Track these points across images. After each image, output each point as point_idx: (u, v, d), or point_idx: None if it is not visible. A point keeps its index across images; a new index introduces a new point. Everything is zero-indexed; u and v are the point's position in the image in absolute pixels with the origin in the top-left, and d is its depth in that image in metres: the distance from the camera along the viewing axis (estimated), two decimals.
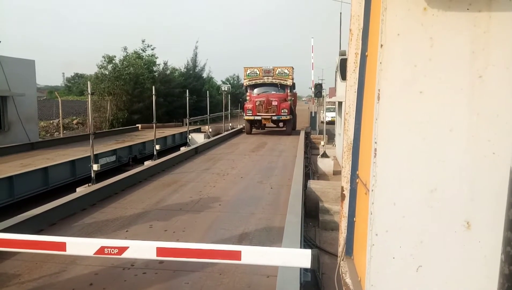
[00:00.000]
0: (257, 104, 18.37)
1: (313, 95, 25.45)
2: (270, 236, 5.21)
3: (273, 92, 19.77)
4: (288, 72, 19.80)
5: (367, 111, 1.23)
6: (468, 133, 0.92)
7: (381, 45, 0.96)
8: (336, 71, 16.15)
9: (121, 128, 22.12)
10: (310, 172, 12.36)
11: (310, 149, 17.82)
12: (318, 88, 20.75)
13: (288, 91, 20.07)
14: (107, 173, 10.92)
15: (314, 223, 8.12)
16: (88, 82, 8.33)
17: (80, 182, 9.33)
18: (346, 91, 1.75)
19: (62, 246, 2.07)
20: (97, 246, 2.07)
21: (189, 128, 17.87)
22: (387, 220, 1.01)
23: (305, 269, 4.47)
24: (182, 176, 9.33)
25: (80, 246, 2.17)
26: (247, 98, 20.70)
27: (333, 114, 27.13)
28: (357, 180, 1.51)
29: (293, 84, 20.36)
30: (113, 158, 11.23)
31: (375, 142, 1.00)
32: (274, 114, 18.33)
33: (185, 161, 11.36)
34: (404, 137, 0.99)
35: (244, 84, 20.85)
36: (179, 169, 10.28)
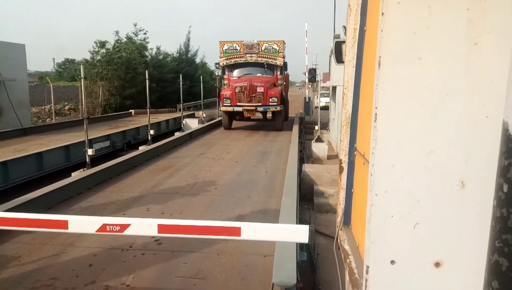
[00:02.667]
0: (237, 91, 13.79)
1: (307, 81, 25.36)
2: (266, 218, 5.29)
3: (258, 74, 15.29)
4: (277, 48, 15.18)
5: (366, 84, 1.28)
6: (464, 98, 0.98)
7: (382, 14, 1.02)
8: (330, 56, 15.98)
9: (114, 113, 21.98)
10: (305, 156, 12.44)
11: (305, 134, 17.85)
12: (312, 73, 19.46)
13: (278, 73, 15.48)
14: (102, 158, 10.89)
15: (309, 206, 8.23)
16: (81, 66, 8.27)
17: (75, 167, 9.31)
18: (344, 67, 1.80)
19: (64, 224, 2.11)
20: (99, 224, 2.11)
21: (183, 114, 17.81)
22: (386, 181, 1.08)
23: (301, 249, 4.57)
24: (177, 160, 9.36)
25: (82, 223, 2.21)
26: (225, 82, 15.83)
27: (327, 99, 27.16)
28: (355, 153, 1.57)
29: (285, 64, 15.70)
30: (107, 143, 11.22)
31: (376, 108, 1.06)
32: (260, 104, 13.84)
33: (180, 146, 11.37)
34: (403, 102, 1.06)
35: (220, 64, 15.81)
36: (174, 153, 10.30)
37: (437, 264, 1.07)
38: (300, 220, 7.08)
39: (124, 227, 2.08)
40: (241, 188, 6.96)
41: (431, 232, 1.06)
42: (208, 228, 2.14)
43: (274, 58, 15.31)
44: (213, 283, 3.58)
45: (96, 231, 2.09)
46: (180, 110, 19.83)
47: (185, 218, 5.21)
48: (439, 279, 1.07)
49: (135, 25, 31.11)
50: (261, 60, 15.33)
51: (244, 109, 14.02)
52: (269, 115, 15.94)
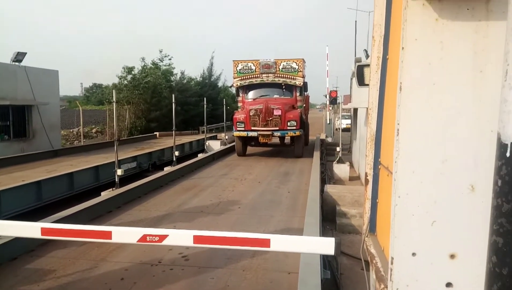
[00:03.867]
0: (251, 114, 12.41)
1: (327, 103, 25.54)
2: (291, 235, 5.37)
3: (275, 96, 13.92)
4: (297, 66, 13.70)
5: (388, 106, 1.45)
6: (473, 116, 1.16)
7: (403, 48, 1.23)
8: (351, 78, 16.17)
9: (140, 136, 22.64)
10: (326, 177, 12.46)
11: (326, 155, 17.84)
12: (333, 101, 19.50)
13: (297, 94, 14.05)
14: (128, 178, 11.25)
15: (331, 227, 8.23)
16: (113, 91, 8.71)
17: (103, 186, 9.66)
18: (369, 90, 1.99)
19: (108, 235, 2.29)
20: (140, 234, 2.28)
21: (206, 136, 18.16)
22: (407, 185, 1.24)
23: (324, 267, 4.63)
24: (201, 181, 9.57)
25: (125, 234, 2.39)
26: (239, 105, 14.52)
27: (348, 121, 27.14)
28: (379, 166, 1.72)
29: (305, 84, 14.23)
30: (134, 164, 11.60)
31: (398, 124, 1.25)
32: (277, 128, 12.41)
33: (203, 167, 11.62)
34: (421, 120, 1.24)
35: (234, 85, 14.46)
36: (198, 174, 10.54)
37: (452, 256, 1.23)
38: None
39: (163, 237, 2.25)
40: (264, 208, 7.07)
41: (447, 228, 1.22)
42: (240, 239, 2.28)
43: (293, 78, 13.80)
44: None
45: (137, 241, 2.26)
46: (203, 132, 20.26)
47: None
48: (453, 268, 1.23)
49: (160, 51, 32.29)
50: (279, 80, 13.89)
51: (260, 134, 12.56)
52: (287, 140, 14.34)
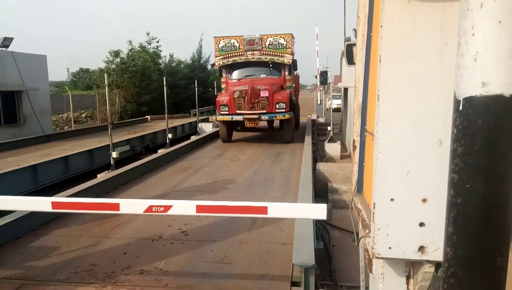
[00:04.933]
0: (236, 96, 11.34)
1: (318, 83, 25.65)
2: None
3: (262, 75, 12.60)
4: (285, 42, 12.40)
5: (372, 79, 1.64)
6: (440, 82, 1.37)
7: (381, 26, 1.43)
8: (341, 58, 16.30)
9: (131, 120, 22.60)
10: (318, 156, 12.71)
11: (317, 135, 18.06)
12: (324, 75, 19.58)
13: (286, 73, 12.78)
14: (122, 161, 11.36)
15: (324, 202, 8.50)
16: (105, 74, 8.74)
17: (98, 170, 9.76)
18: (356, 64, 2.18)
19: (116, 207, 2.46)
20: (146, 205, 2.45)
21: (198, 118, 18.23)
22: (386, 142, 1.45)
23: (317, 238, 4.88)
24: (196, 162, 9.74)
25: (132, 205, 2.56)
26: (222, 86, 13.27)
27: (338, 101, 27.35)
28: (365, 133, 1.92)
29: (294, 62, 13.01)
30: (127, 147, 11.67)
31: (378, 91, 1.45)
32: (264, 111, 11.36)
33: (197, 149, 11.76)
34: (397, 87, 1.46)
35: (216, 64, 13.00)
36: (192, 155, 10.69)
37: (424, 200, 1.49)
38: None
39: (167, 207, 2.42)
40: (258, 185, 7.28)
41: (419, 177, 1.46)
42: (240, 208, 2.47)
43: (281, 56, 12.41)
44: (238, 267, 3.91)
45: (143, 212, 2.43)
46: (194, 115, 20.31)
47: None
48: (425, 211, 1.48)
49: (147, 34, 31.83)
50: (265, 58, 12.48)
51: (245, 118, 11.43)
52: (276, 124, 13.30)
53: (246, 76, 12.67)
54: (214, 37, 12.83)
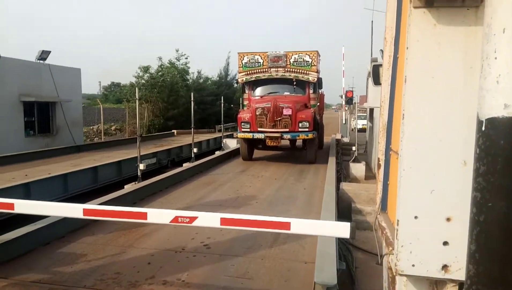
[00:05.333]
0: (258, 113, 11.02)
1: (343, 103, 25.56)
2: None
3: (285, 93, 12.38)
4: (310, 60, 12.06)
5: (398, 98, 1.68)
6: (463, 103, 1.40)
7: (407, 48, 1.48)
8: (368, 78, 16.24)
9: (158, 133, 23.13)
10: (342, 176, 12.59)
11: (341, 155, 17.88)
12: (349, 101, 19.30)
13: (311, 91, 12.48)
14: (148, 174, 11.62)
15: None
16: (136, 88, 9.05)
17: (125, 181, 10.02)
18: (382, 84, 2.22)
19: (144, 215, 2.55)
20: (172, 215, 2.53)
21: (223, 134, 18.45)
22: (411, 160, 1.48)
23: (340, 258, 4.82)
24: (219, 177, 9.85)
25: (159, 215, 2.65)
26: (245, 103, 13.07)
27: (364, 121, 27.11)
28: (390, 152, 1.94)
29: (319, 80, 12.58)
30: (154, 160, 11.96)
31: (403, 110, 1.49)
32: (287, 129, 11.01)
33: (221, 164, 11.89)
34: (421, 106, 1.50)
35: (239, 80, 12.88)
36: (216, 170, 10.81)
37: (448, 219, 1.50)
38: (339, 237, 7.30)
39: (193, 219, 2.49)
40: (281, 203, 7.28)
41: (444, 196, 1.48)
42: (263, 222, 2.51)
43: (306, 73, 12.11)
44: (259, 283, 3.91)
45: (170, 222, 2.51)
46: (219, 131, 20.58)
47: (230, 229, 5.62)
48: (449, 230, 1.48)
49: (177, 51, 32.74)
50: (289, 75, 12.21)
51: (267, 136, 11.06)
52: (299, 143, 12.92)
53: (269, 93, 12.48)
54: (238, 53, 12.77)
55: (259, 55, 12.43)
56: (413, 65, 1.51)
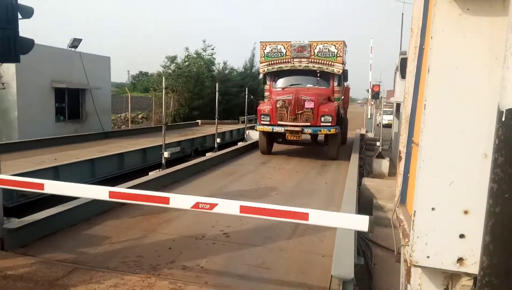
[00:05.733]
0: (278, 106, 10.58)
1: (369, 97, 25.10)
2: None
3: (308, 85, 11.71)
4: (336, 51, 11.42)
5: (422, 89, 1.65)
6: (487, 94, 1.36)
7: (431, 37, 1.44)
8: (395, 72, 15.85)
9: (183, 123, 23.45)
10: (365, 172, 12.43)
11: (365, 150, 17.60)
12: (376, 95, 18.86)
13: (335, 84, 11.81)
14: (172, 162, 11.82)
15: None
16: (163, 78, 9.20)
17: (150, 168, 10.25)
18: (407, 76, 2.19)
19: (166, 200, 2.62)
20: (194, 201, 2.59)
21: (246, 125, 18.51)
22: (430, 151, 1.46)
23: (358, 254, 4.80)
24: (241, 167, 9.92)
25: (180, 200, 2.72)
26: (265, 94, 12.50)
27: (390, 117, 26.57)
28: (412, 144, 1.92)
29: (345, 72, 11.87)
30: (178, 149, 12.11)
31: (425, 100, 1.46)
32: (308, 123, 10.48)
33: (243, 155, 11.96)
34: (444, 97, 1.47)
35: (260, 71, 12.44)
36: (238, 161, 10.89)
37: (466, 212, 1.48)
38: (358, 232, 7.24)
39: (213, 205, 2.54)
40: (301, 195, 7.28)
41: (462, 189, 1.45)
42: (282, 212, 2.53)
43: (331, 64, 11.42)
44: (276, 273, 3.95)
45: (191, 207, 2.57)
46: (242, 122, 20.67)
47: (249, 219, 5.66)
48: (466, 223, 1.46)
49: (203, 42, 32.93)
50: (313, 66, 11.57)
51: (287, 130, 10.61)
52: (320, 138, 12.22)
53: (291, 85, 11.88)
54: (260, 42, 12.26)
55: (282, 45, 11.88)
56: (436, 55, 1.49)
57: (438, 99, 1.49)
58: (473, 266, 1.40)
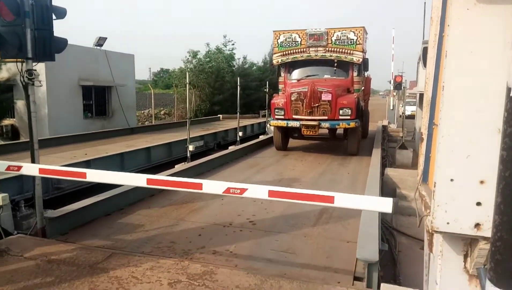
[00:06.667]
0: (293, 98, 9.86)
1: (391, 88, 24.75)
2: (350, 211, 5.63)
3: (326, 76, 10.90)
4: (355, 38, 10.53)
5: (442, 74, 1.78)
6: (501, 76, 1.48)
7: (448, 25, 1.57)
8: (418, 62, 15.64)
9: (204, 117, 23.81)
10: (387, 163, 12.38)
11: (387, 142, 17.44)
12: (398, 86, 18.56)
13: (355, 74, 10.94)
14: (195, 155, 12.11)
15: None
16: (187, 73, 9.45)
17: (175, 161, 10.54)
18: (427, 62, 2.31)
19: (199, 186, 2.81)
20: (225, 187, 2.77)
21: (268, 119, 18.64)
22: (449, 128, 1.60)
23: (382, 240, 4.90)
24: (263, 160, 10.09)
25: (213, 186, 2.91)
26: (279, 87, 11.65)
27: (413, 108, 26.17)
28: (433, 126, 2.05)
29: (365, 61, 11.04)
30: (201, 143, 12.44)
31: (443, 82, 1.60)
32: (325, 117, 9.73)
33: (265, 147, 12.12)
34: (460, 79, 1.60)
35: (274, 62, 11.55)
36: (260, 153, 11.06)
37: (482, 182, 1.64)
38: (382, 220, 7.29)
39: (243, 190, 2.71)
40: (324, 186, 7.38)
41: (478, 161, 1.61)
42: (308, 195, 2.68)
43: (350, 53, 10.53)
44: (302, 258, 4.11)
45: (222, 192, 2.76)
46: (263, 116, 20.82)
47: (274, 206, 5.84)
48: (482, 192, 1.64)
49: (224, 37, 33.18)
50: (331, 55, 10.69)
51: (303, 124, 9.84)
52: (339, 132, 11.51)
53: (307, 76, 11.02)
54: (274, 31, 11.28)
55: (297, 34, 10.95)
56: (453, 41, 1.63)
57: (455, 82, 1.64)
58: (489, 230, 1.52)
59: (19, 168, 3.44)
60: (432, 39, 2.27)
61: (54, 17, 5.12)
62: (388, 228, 7.20)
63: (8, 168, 3.48)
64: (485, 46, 1.55)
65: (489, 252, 1.21)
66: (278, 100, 10.34)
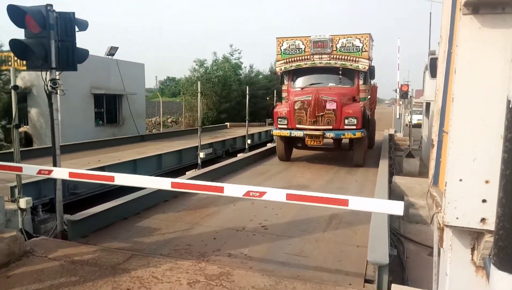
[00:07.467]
0: (296, 107, 9.63)
1: (397, 97, 24.91)
2: (358, 217, 5.79)
3: (330, 84, 10.64)
4: (361, 45, 10.26)
5: (450, 86, 2.00)
6: (501, 90, 1.70)
7: (457, 45, 1.78)
8: (425, 71, 15.78)
9: (212, 125, 24.09)
10: (394, 171, 12.49)
11: (394, 150, 17.55)
12: (404, 95, 18.80)
13: (360, 82, 10.67)
14: (204, 163, 12.31)
15: (398, 216, 8.45)
16: (198, 83, 9.71)
17: (186, 168, 10.75)
18: (437, 76, 2.53)
19: (221, 189, 3.00)
20: (245, 190, 2.96)
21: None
22: (457, 134, 1.81)
23: (391, 245, 5.04)
24: (272, 167, 10.26)
25: (233, 189, 3.09)
26: (283, 95, 11.38)
27: (419, 116, 26.27)
28: (443, 133, 2.25)
29: (371, 69, 10.74)
30: (210, 150, 12.67)
31: (453, 94, 1.82)
32: (330, 127, 9.47)
33: (273, 155, 12.26)
34: (468, 92, 1.82)
35: (277, 70, 11.22)
36: (269, 161, 11.24)
37: (487, 182, 1.88)
38: (390, 227, 7.41)
39: (262, 193, 2.90)
40: (333, 192, 7.34)
41: (484, 163, 1.84)
42: (324, 199, 2.86)
43: (355, 60, 10.27)
44: (314, 261, 4.27)
45: (243, 195, 2.94)
46: (269, 124, 21.07)
47: (284, 212, 6.02)
48: (488, 190, 1.87)
49: (231, 46, 33.63)
50: (335, 63, 10.44)
51: (307, 134, 9.54)
52: (345, 142, 10.88)
53: (311, 84, 10.72)
54: (277, 38, 11.05)
55: (301, 40, 10.67)
56: (461, 59, 1.88)
57: (463, 94, 1.89)
58: (493, 224, 1.71)
59: (50, 171, 3.66)
60: (441, 55, 2.49)
61: (76, 29, 5.40)
62: (396, 234, 7.31)
63: (39, 172, 3.70)
64: (490, 63, 1.80)
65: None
66: (281, 109, 10.10)
